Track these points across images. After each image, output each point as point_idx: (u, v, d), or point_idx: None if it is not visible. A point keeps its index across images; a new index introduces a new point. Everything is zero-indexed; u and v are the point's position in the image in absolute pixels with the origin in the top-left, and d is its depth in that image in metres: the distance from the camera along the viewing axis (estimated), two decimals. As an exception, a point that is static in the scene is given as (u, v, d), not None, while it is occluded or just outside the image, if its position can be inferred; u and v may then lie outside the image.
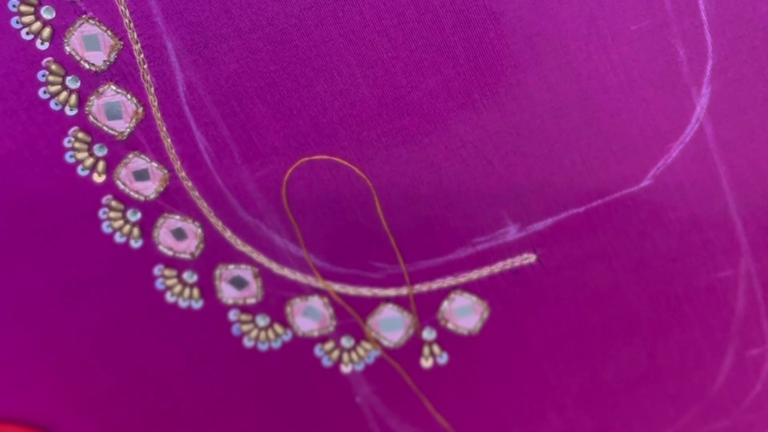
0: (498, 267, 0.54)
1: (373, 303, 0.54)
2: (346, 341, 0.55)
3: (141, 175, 0.52)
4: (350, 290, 0.54)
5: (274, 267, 0.53)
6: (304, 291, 0.54)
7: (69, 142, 0.51)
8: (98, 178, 0.52)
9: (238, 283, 0.54)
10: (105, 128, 0.51)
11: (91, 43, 0.49)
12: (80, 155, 0.51)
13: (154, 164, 0.51)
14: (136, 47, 0.49)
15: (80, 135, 0.51)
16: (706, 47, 0.49)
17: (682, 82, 0.50)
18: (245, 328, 0.55)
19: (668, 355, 0.55)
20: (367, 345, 0.55)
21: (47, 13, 0.49)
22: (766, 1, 0.48)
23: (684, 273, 0.53)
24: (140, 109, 0.50)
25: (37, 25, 0.49)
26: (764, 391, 0.56)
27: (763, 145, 0.51)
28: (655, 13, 0.48)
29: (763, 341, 0.55)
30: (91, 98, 0.50)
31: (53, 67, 0.50)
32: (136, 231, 0.53)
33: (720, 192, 0.52)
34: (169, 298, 0.54)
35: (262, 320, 0.55)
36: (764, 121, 0.51)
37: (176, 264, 0.54)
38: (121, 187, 0.52)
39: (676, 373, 0.55)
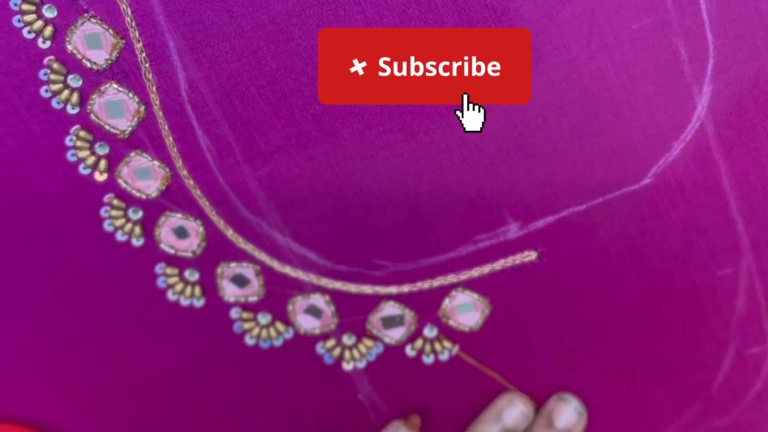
0: (499, 264, 0.54)
1: (375, 300, 0.54)
2: (348, 339, 0.55)
3: (142, 174, 0.52)
4: (352, 288, 0.54)
5: (276, 265, 0.54)
6: (305, 289, 0.54)
7: (71, 140, 0.51)
8: (100, 177, 0.52)
9: (240, 281, 0.54)
10: (107, 127, 0.51)
11: (92, 41, 0.49)
12: (82, 154, 0.51)
13: (156, 163, 0.51)
14: (138, 46, 0.49)
15: (82, 133, 0.51)
16: (708, 46, 0.49)
17: (684, 80, 0.50)
18: (247, 326, 0.55)
19: (669, 353, 0.55)
20: (368, 342, 0.55)
21: (49, 12, 0.49)
22: (767, 0, 0.48)
23: (685, 271, 0.54)
24: (142, 108, 0.50)
25: (38, 23, 0.49)
26: (765, 389, 0.56)
27: (764, 143, 0.51)
28: (656, 12, 0.48)
29: (764, 339, 0.55)
30: (93, 97, 0.50)
31: (55, 65, 0.50)
32: (137, 229, 0.53)
33: (721, 190, 0.52)
34: (171, 296, 0.54)
35: (263, 318, 0.55)
36: (765, 120, 0.51)
37: (178, 262, 0.54)
38: (123, 185, 0.52)
39: (677, 371, 0.55)
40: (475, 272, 0.54)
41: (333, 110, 0.50)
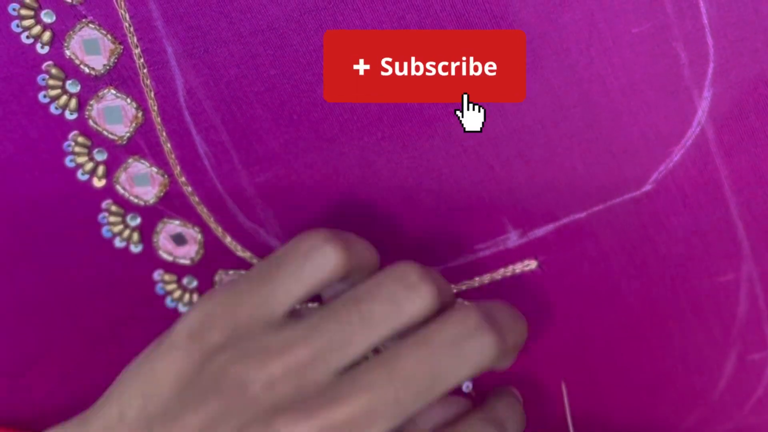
0: (499, 273, 0.53)
1: None
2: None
3: (141, 180, 0.52)
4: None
5: (274, 273, 0.53)
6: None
7: (69, 146, 0.51)
8: (98, 183, 0.52)
9: (238, 288, 0.54)
10: (105, 132, 0.51)
11: (91, 47, 0.49)
12: (80, 159, 0.51)
13: (154, 169, 0.51)
14: (136, 51, 0.49)
15: (80, 139, 0.51)
16: (708, 50, 0.49)
17: (684, 85, 0.50)
18: (246, 334, 0.54)
19: (670, 359, 0.55)
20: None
21: (47, 17, 0.49)
22: (767, 3, 0.48)
23: (686, 277, 0.53)
24: (140, 114, 0.50)
25: (37, 28, 0.49)
26: (766, 395, 0.56)
27: (765, 148, 0.51)
28: (656, 16, 0.48)
29: (765, 345, 0.55)
30: (91, 102, 0.50)
31: (53, 71, 0.50)
32: (135, 236, 0.53)
33: (722, 196, 0.52)
34: (169, 303, 0.54)
35: (262, 326, 0.54)
36: (766, 125, 0.50)
37: (176, 269, 0.54)
38: (121, 191, 0.52)
39: (678, 378, 0.55)
40: (475, 282, 0.54)
41: (332, 117, 0.50)
